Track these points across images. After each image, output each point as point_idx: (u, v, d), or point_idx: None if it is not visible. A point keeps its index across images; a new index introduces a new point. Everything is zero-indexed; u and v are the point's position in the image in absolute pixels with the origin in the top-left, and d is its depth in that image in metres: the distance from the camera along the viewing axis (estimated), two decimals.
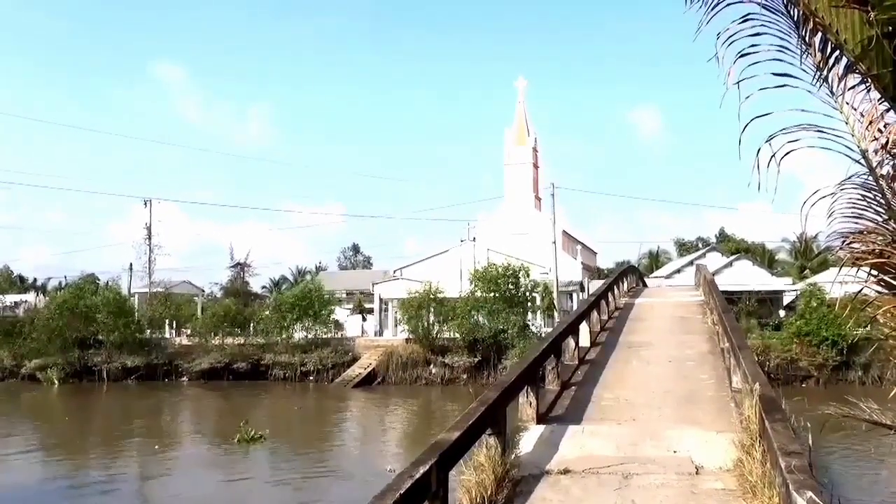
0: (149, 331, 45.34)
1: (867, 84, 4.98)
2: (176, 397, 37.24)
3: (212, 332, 43.62)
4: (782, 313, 45.52)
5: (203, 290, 60.32)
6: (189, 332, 46.48)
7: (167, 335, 47.09)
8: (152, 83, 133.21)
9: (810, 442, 10.87)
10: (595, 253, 68.36)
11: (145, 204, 53.01)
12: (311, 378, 39.74)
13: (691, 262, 51.26)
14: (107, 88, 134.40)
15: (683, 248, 79.39)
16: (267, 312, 45.33)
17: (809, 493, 4.24)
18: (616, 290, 23.59)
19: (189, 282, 58.13)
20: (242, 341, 42.89)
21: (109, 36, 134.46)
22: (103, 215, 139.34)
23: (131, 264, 54.84)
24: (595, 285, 33.46)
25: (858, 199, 5.59)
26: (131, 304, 47.45)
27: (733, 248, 67.22)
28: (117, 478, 19.41)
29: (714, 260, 53.46)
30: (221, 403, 35.34)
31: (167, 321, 47.87)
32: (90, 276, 66.08)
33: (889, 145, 5.27)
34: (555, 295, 43.26)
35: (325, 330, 42.78)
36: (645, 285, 35.12)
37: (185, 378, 41.32)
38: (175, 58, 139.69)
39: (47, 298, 54.81)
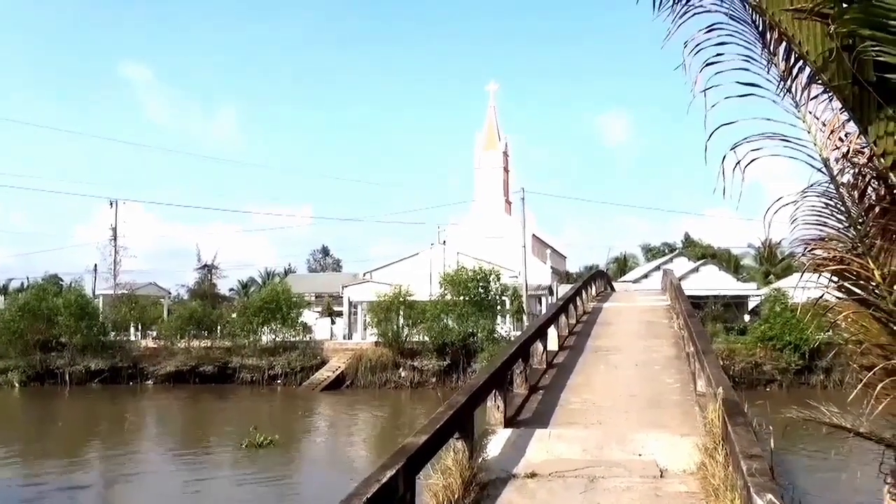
0: (113, 333, 44.58)
1: (829, 94, 5.08)
2: (144, 400, 36.73)
3: (178, 335, 43.03)
4: (747, 318, 46.20)
5: (169, 292, 59.56)
6: (155, 334, 45.82)
7: (132, 338, 46.38)
8: (120, 84, 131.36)
9: (772, 445, 11.05)
10: (564, 257, 68.81)
11: (111, 204, 52.18)
12: (279, 381, 39.38)
13: (658, 267, 51.85)
14: (73, 88, 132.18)
15: (650, 252, 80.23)
16: (234, 315, 44.87)
17: (769, 496, 4.31)
18: (584, 295, 23.79)
19: (155, 283, 57.30)
20: (209, 344, 42.36)
21: (76, 35, 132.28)
22: (68, 216, 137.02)
23: (96, 266, 54.00)
24: (564, 289, 33.68)
25: (820, 207, 5.70)
26: (95, 305, 46.58)
27: (700, 253, 68.12)
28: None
29: (681, 265, 54.11)
30: (196, 407, 34.86)
31: (132, 323, 47.16)
32: (53, 278, 64.84)
33: (850, 154, 5.39)
34: (524, 299, 43.46)
35: (294, 333, 42.39)
36: (613, 290, 35.48)
37: (150, 381, 40.65)
38: (142, 59, 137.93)
39: (8, 300, 53.70)
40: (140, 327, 47.67)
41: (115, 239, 51.37)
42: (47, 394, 38.68)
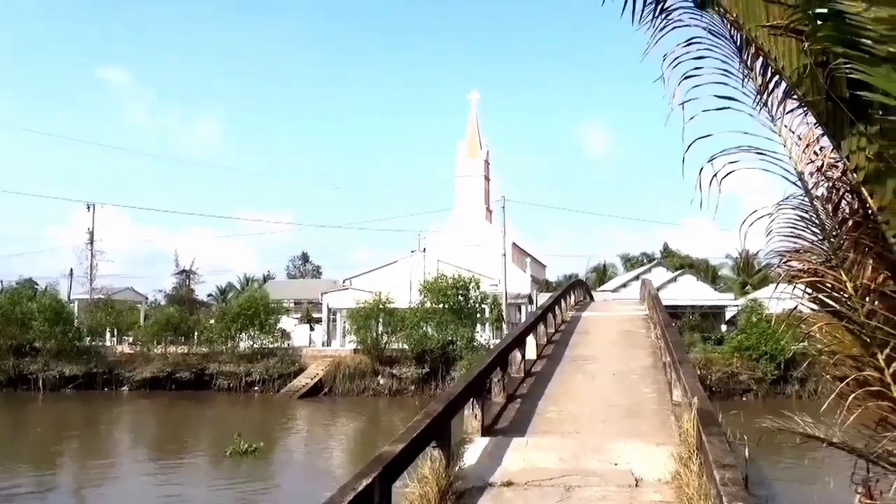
0: (88, 338, 44.06)
1: (804, 109, 5.15)
2: (120, 407, 36.31)
3: (154, 341, 42.63)
4: (724, 328, 46.58)
5: (146, 298, 59.02)
6: (131, 340, 45.34)
7: (108, 343, 45.83)
8: (100, 87, 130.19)
9: (746, 454, 11.15)
10: (544, 266, 69.03)
11: (88, 208, 51.62)
12: (257, 388, 39.11)
13: (637, 277, 52.18)
14: (52, 90, 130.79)
15: (629, 262, 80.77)
16: (212, 321, 44.53)
17: None
18: (563, 304, 23.88)
19: (132, 289, 56.74)
20: (186, 350, 42.02)
21: (55, 38, 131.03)
22: (44, 219, 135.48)
23: (72, 270, 53.38)
24: (544, 298, 33.78)
25: (795, 220, 5.76)
26: (70, 310, 46.08)
27: (678, 263, 68.69)
28: None
29: (659, 275, 54.54)
30: (174, 414, 34.51)
31: (108, 329, 46.61)
32: (28, 282, 63.91)
33: (824, 168, 5.46)
34: (503, 307, 43.53)
35: (272, 340, 42.20)
36: (592, 299, 35.63)
37: (125, 387, 40.23)
38: (123, 63, 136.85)
39: None
40: (116, 332, 47.15)
41: (91, 243, 50.80)
42: (20, 399, 38.11)
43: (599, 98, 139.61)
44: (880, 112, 4.17)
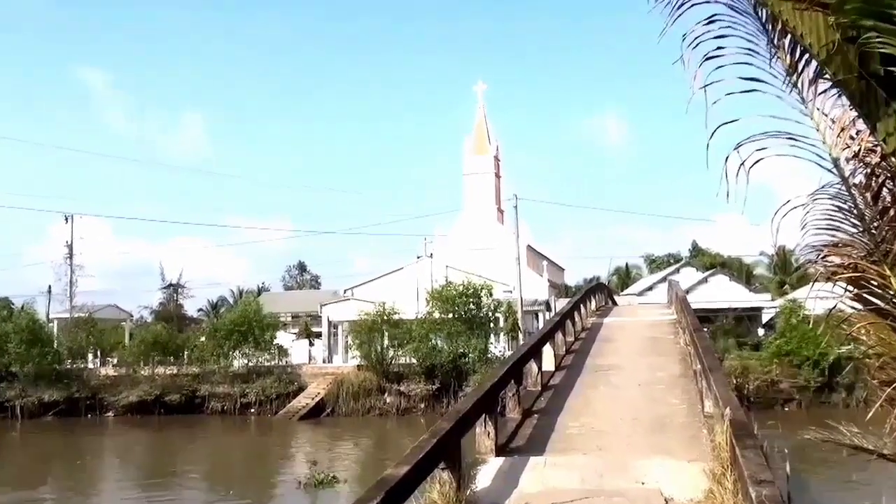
0: (69, 361, 44.15)
1: (837, 89, 5.11)
2: (108, 435, 36.32)
3: (141, 362, 42.68)
4: (761, 332, 46.38)
5: (131, 315, 59.14)
6: (115, 361, 45.42)
7: (90, 365, 45.93)
8: (76, 91, 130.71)
9: (788, 470, 11.07)
10: (562, 269, 68.83)
11: (66, 220, 51.83)
12: (253, 410, 39.08)
13: (664, 279, 51.95)
14: (24, 93, 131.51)
15: (654, 263, 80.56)
16: (203, 339, 44.59)
17: None
18: (583, 309, 23.86)
19: (116, 305, 56.93)
20: (175, 371, 42.03)
21: (27, 37, 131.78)
22: (18, 232, 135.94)
23: (50, 287, 53.61)
24: (563, 304, 33.74)
25: (833, 210, 5.71)
26: (49, 330, 46.24)
27: (708, 262, 68.41)
28: None
29: (688, 275, 54.37)
30: (167, 441, 34.48)
31: (90, 350, 46.72)
32: (2, 301, 64.29)
33: (861, 153, 5.41)
34: (519, 315, 43.43)
35: (268, 357, 42.22)
36: (614, 303, 35.58)
37: (110, 413, 40.31)
38: (101, 63, 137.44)
39: None
40: (99, 353, 47.22)
41: (70, 257, 51.00)
42: None
43: (613, 88, 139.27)
44: None
